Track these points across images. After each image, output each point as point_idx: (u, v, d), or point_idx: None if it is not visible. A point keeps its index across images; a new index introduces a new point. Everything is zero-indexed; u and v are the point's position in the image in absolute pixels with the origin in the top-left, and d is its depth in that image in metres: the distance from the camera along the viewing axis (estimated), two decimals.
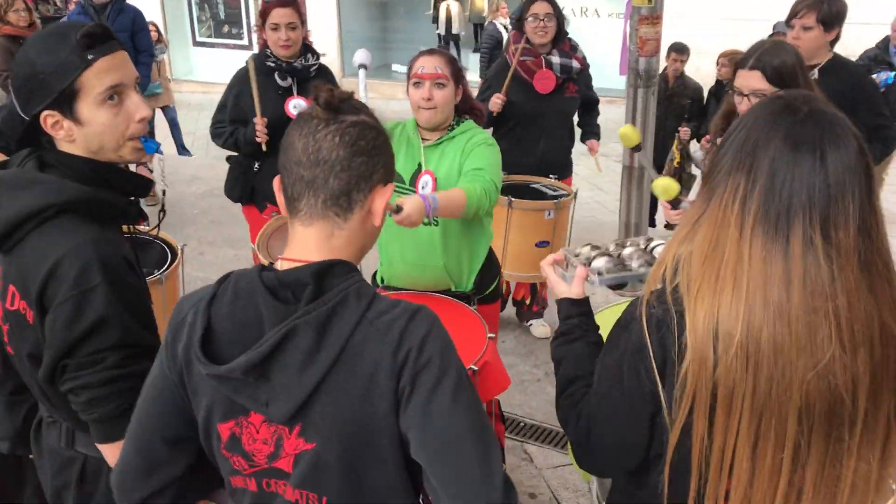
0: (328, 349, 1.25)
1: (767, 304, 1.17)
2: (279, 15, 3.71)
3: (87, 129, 1.62)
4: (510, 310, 4.75)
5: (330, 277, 1.29)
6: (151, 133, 3.97)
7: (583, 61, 4.24)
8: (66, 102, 1.59)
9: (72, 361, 1.55)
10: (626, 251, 1.90)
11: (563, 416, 1.51)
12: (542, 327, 4.67)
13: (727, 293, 1.19)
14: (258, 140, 3.71)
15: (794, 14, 3.57)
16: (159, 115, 8.28)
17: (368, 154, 1.32)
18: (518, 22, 4.24)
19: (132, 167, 3.86)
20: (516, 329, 4.74)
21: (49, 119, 1.60)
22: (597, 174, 8.52)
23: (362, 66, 3.45)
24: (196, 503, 1.53)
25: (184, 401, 1.37)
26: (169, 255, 3.45)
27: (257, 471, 1.35)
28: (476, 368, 2.47)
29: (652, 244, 1.93)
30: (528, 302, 4.60)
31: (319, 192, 1.31)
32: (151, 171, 3.97)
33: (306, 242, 1.34)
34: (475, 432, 1.26)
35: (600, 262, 1.84)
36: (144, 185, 1.78)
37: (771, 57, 2.56)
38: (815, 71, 3.47)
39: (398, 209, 2.46)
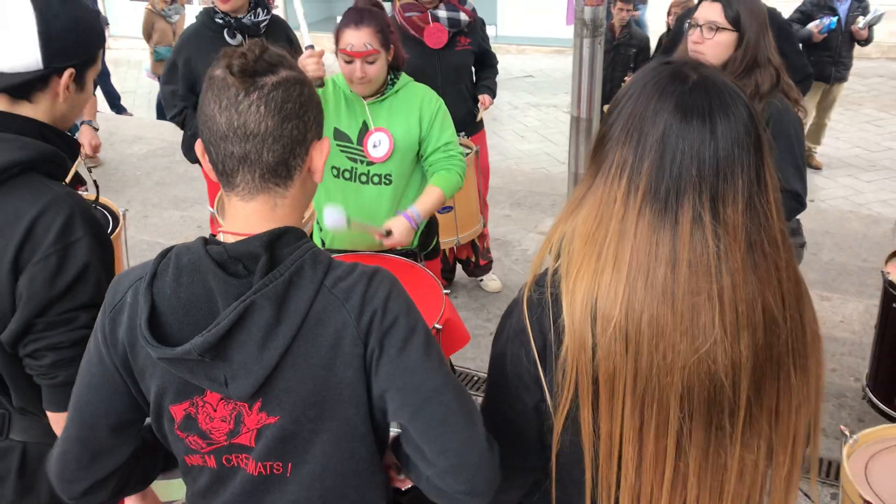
0: (288, 322, 1.21)
1: (651, 284, 1.11)
2: None
3: (80, 97, 1.60)
4: (459, 267, 4.76)
5: (282, 247, 1.24)
6: None
7: (471, 13, 4.10)
8: (86, 65, 1.58)
9: (42, 321, 1.48)
10: None
11: None
12: (493, 282, 4.69)
13: (608, 273, 1.13)
14: None
15: None
16: None
17: (298, 116, 1.24)
18: None
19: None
20: (467, 284, 4.75)
21: (69, 76, 1.56)
22: (546, 125, 8.56)
23: None
24: (136, 491, 1.48)
25: (127, 385, 1.30)
26: (110, 221, 3.35)
27: (216, 448, 1.31)
28: (440, 327, 2.47)
29: None
30: (473, 260, 4.59)
31: (255, 166, 1.23)
32: (97, 130, 3.82)
33: (249, 217, 1.27)
34: (451, 383, 1.25)
35: None
36: (77, 147, 1.73)
37: None
38: None
39: (388, 233, 2.59)
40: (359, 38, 2.64)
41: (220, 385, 1.23)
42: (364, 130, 2.76)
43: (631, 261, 1.12)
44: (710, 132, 1.11)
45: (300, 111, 1.25)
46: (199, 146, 1.30)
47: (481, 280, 4.71)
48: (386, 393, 1.25)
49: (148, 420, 1.35)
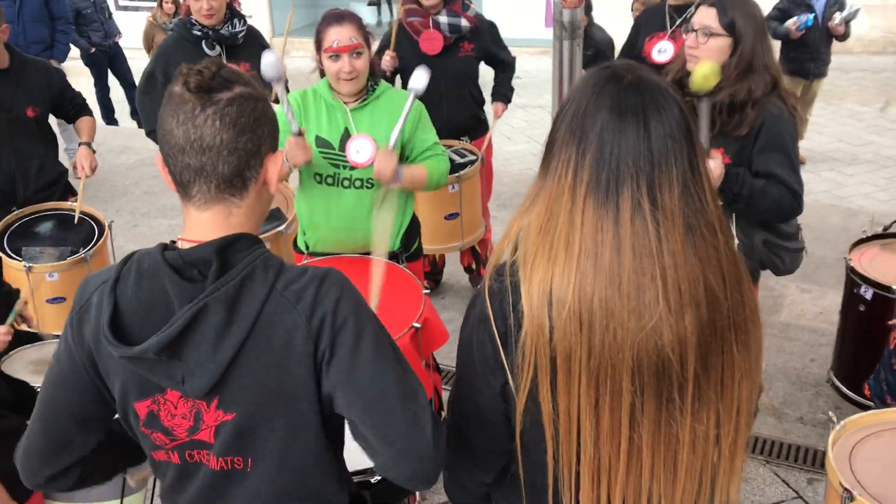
0: (240, 323, 1.27)
1: (599, 268, 1.20)
2: None
3: None
4: (449, 269, 4.81)
5: (234, 252, 1.30)
6: (82, 105, 3.87)
7: (473, 19, 4.11)
8: None
9: None
10: None
11: None
12: None
13: (560, 261, 1.22)
14: None
15: None
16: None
17: (252, 129, 1.30)
18: None
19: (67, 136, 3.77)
20: (455, 285, 4.81)
21: None
22: (532, 126, 8.62)
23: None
24: (105, 480, 1.56)
25: (94, 382, 1.37)
26: (97, 231, 3.41)
27: (178, 444, 1.38)
28: (418, 326, 2.52)
29: None
30: (474, 267, 4.63)
31: (210, 178, 1.29)
32: (94, 152, 3.86)
33: (205, 225, 1.33)
34: (399, 381, 1.32)
35: None
36: None
37: (733, 4, 2.58)
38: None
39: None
40: (343, 33, 2.71)
41: (178, 383, 1.30)
42: (346, 136, 2.81)
43: (580, 248, 1.21)
44: (643, 127, 1.21)
45: (254, 125, 1.31)
46: (158, 158, 1.36)
47: (479, 288, 4.70)
48: (335, 391, 1.32)
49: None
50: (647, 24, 4.10)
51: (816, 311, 4.30)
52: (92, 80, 8.55)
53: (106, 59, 8.42)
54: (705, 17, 2.61)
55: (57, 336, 3.36)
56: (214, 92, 1.28)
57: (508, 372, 1.31)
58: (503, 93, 4.40)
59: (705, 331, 1.24)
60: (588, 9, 6.47)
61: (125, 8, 14.08)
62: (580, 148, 1.23)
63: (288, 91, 2.75)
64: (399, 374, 1.33)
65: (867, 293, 3.05)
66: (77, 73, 6.79)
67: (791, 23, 6.38)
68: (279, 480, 1.39)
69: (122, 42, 8.61)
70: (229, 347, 1.27)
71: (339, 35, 2.70)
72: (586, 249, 1.21)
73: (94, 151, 3.84)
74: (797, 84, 6.52)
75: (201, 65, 1.29)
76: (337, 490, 1.46)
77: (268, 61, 2.58)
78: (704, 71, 2.41)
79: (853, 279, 3.13)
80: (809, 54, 6.49)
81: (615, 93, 1.24)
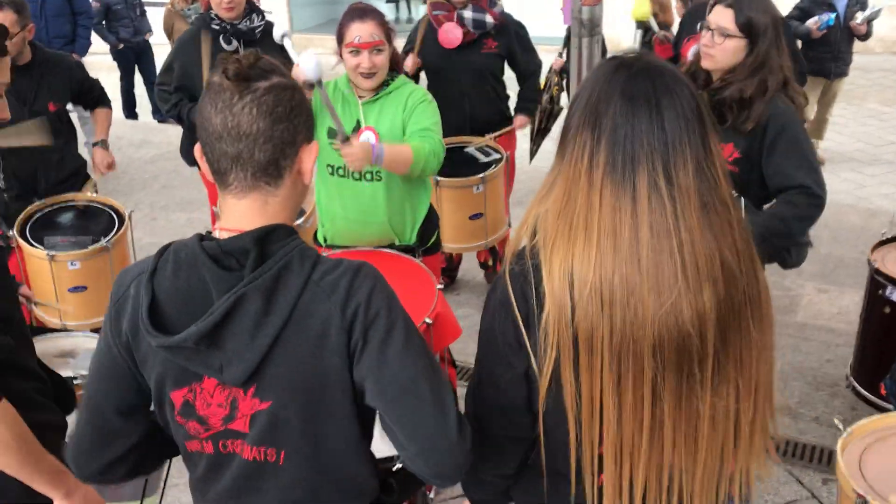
0: (277, 312, 1.29)
1: (618, 247, 1.23)
2: None
3: None
4: (465, 265, 4.82)
5: (271, 242, 1.32)
6: (100, 94, 3.94)
7: (499, 16, 4.11)
8: None
9: None
10: None
11: None
12: None
13: (580, 242, 1.25)
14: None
15: None
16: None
17: (288, 118, 1.33)
18: None
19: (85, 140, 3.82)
20: (471, 281, 4.81)
21: None
22: (558, 123, 8.60)
23: (284, 35, 3.13)
24: (153, 470, 1.58)
25: (133, 372, 1.40)
26: (117, 222, 3.45)
27: (213, 433, 1.39)
28: (430, 322, 2.54)
29: None
30: (490, 264, 4.63)
31: (247, 165, 1.32)
32: (108, 149, 3.91)
33: (242, 213, 1.35)
34: (427, 376, 1.33)
35: None
36: None
37: (750, 5, 2.59)
38: None
39: (346, 139, 2.55)
40: (365, 29, 2.73)
41: (216, 371, 1.32)
42: (356, 129, 2.83)
43: (599, 228, 1.24)
44: (655, 110, 1.25)
45: (290, 115, 1.33)
46: (197, 149, 1.38)
47: None
48: (365, 381, 1.33)
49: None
50: (690, 24, 4.07)
51: (834, 311, 4.27)
52: (116, 75, 8.61)
53: (133, 56, 8.48)
54: (721, 17, 2.62)
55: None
56: (252, 80, 1.30)
57: (531, 354, 1.33)
58: (525, 105, 4.37)
59: (723, 306, 1.27)
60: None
61: (153, 3, 14.18)
62: (595, 133, 1.26)
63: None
64: (427, 369, 1.34)
65: (893, 294, 3.01)
66: (98, 68, 6.84)
67: (812, 22, 6.33)
68: (316, 465, 1.41)
69: (153, 39, 8.64)
70: (267, 336, 1.29)
71: (360, 31, 2.72)
72: (605, 229, 1.24)
73: (107, 148, 3.88)
74: (818, 83, 6.47)
75: (241, 55, 1.32)
76: (369, 475, 1.48)
77: (308, 64, 2.56)
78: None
79: (877, 280, 3.08)
80: (830, 53, 6.44)
81: (626, 79, 1.27)
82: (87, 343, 2.75)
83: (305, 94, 1.42)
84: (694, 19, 4.06)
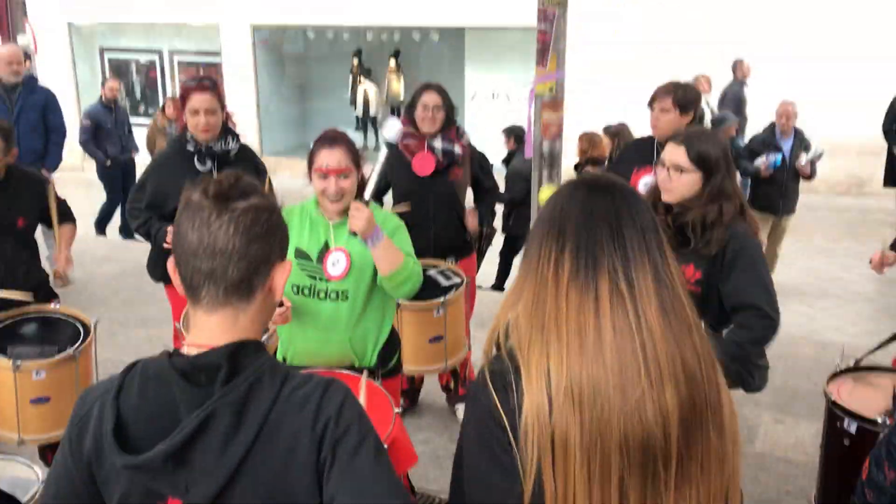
0: (247, 429, 1.29)
1: (584, 347, 1.31)
2: (199, 100, 3.74)
3: None
4: (426, 387, 4.80)
5: (242, 357, 1.33)
6: (66, 211, 3.99)
7: (465, 147, 4.33)
8: None
9: None
10: None
11: None
12: None
13: (553, 343, 1.32)
14: (166, 247, 3.70)
15: (653, 99, 4.00)
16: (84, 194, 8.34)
17: (264, 238, 1.36)
18: (409, 108, 4.34)
19: (47, 253, 3.84)
20: (432, 404, 4.78)
21: None
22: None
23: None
24: None
25: (91, 496, 1.36)
26: (82, 333, 3.41)
27: None
28: (385, 446, 2.51)
29: None
30: (452, 387, 4.62)
31: (220, 282, 1.34)
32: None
33: (212, 329, 1.36)
34: (396, 493, 1.33)
35: None
36: None
37: (699, 141, 2.79)
38: None
39: (363, 205, 2.74)
40: (333, 156, 2.83)
41: (182, 492, 1.29)
42: (324, 250, 2.90)
43: (567, 329, 1.32)
44: (615, 221, 1.37)
45: (266, 234, 1.37)
46: (171, 263, 1.41)
47: (456, 408, 4.65)
48: (336, 495, 1.32)
49: None
50: (634, 155, 4.28)
51: (791, 441, 4.32)
52: (84, 190, 8.69)
53: (120, 174, 8.60)
54: (674, 154, 2.80)
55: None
56: (232, 200, 1.34)
57: (517, 455, 1.34)
58: (481, 210, 4.59)
59: (686, 407, 1.32)
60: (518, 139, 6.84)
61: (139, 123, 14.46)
62: (559, 242, 1.37)
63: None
64: (396, 487, 1.34)
65: (851, 427, 3.01)
66: (66, 183, 6.88)
67: (761, 162, 6.69)
68: None
69: (138, 157, 8.79)
70: (236, 453, 1.28)
71: (329, 158, 2.83)
72: (572, 330, 1.31)
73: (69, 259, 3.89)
74: (767, 220, 6.76)
75: (222, 175, 1.37)
76: None
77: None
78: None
79: (835, 413, 3.12)
80: (778, 192, 6.78)
81: (585, 194, 1.40)
82: (12, 470, 2.56)
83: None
84: (638, 151, 4.28)
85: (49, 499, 1.39)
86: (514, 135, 7.40)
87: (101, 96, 8.81)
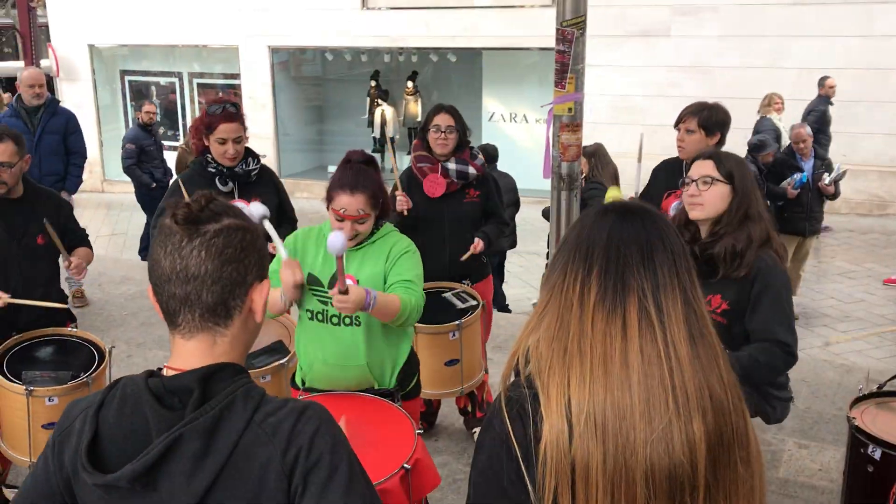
0: (215, 455, 1.26)
1: (609, 373, 1.26)
2: (227, 130, 3.76)
3: None
4: (444, 410, 4.76)
5: (216, 382, 1.30)
6: (83, 237, 3.95)
7: (480, 168, 4.29)
8: None
9: None
10: None
11: None
12: None
13: (575, 367, 1.28)
14: None
15: (679, 119, 3.97)
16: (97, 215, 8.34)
17: (237, 259, 1.33)
18: (422, 131, 4.31)
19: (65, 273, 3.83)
20: (449, 427, 4.74)
21: None
22: (528, 271, 8.76)
23: (264, 217, 2.87)
24: None
25: None
26: (97, 357, 3.40)
27: None
28: (409, 467, 2.48)
29: None
30: (470, 410, 4.57)
31: (195, 307, 1.32)
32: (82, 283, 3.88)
33: (190, 354, 1.34)
34: None
35: None
36: None
37: (726, 157, 2.82)
38: None
39: (345, 291, 2.58)
40: (352, 203, 2.79)
41: None
42: (335, 277, 2.86)
43: (592, 354, 1.27)
44: (646, 245, 1.32)
45: (240, 255, 1.34)
46: (149, 290, 1.39)
47: (474, 431, 4.59)
48: None
49: None
50: (663, 176, 4.23)
51: (816, 467, 4.23)
52: (102, 213, 8.76)
53: (161, 196, 8.71)
54: (703, 167, 2.79)
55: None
56: (202, 223, 1.32)
57: (530, 485, 1.31)
58: (486, 233, 4.39)
59: (713, 438, 1.28)
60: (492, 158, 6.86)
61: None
62: (586, 265, 1.33)
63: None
64: None
65: (875, 453, 2.97)
66: (85, 205, 6.93)
67: (786, 183, 6.66)
68: None
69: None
70: (203, 479, 1.26)
71: (347, 204, 2.79)
72: (597, 355, 1.27)
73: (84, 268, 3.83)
74: (792, 241, 6.73)
75: (192, 198, 1.35)
76: None
77: (256, 210, 2.73)
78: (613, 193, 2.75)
79: (858, 438, 3.07)
80: (804, 213, 6.75)
81: (615, 220, 1.37)
82: None
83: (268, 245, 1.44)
84: (655, 179, 4.25)
85: (26, 501, 1.37)
86: (485, 152, 7.43)
87: (137, 120, 8.98)
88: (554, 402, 1.28)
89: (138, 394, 1.30)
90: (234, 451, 1.26)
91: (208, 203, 1.34)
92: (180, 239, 1.30)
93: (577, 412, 1.26)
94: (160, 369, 1.37)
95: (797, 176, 6.68)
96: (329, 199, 2.86)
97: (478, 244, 4.33)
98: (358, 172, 2.86)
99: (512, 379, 1.39)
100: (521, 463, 1.31)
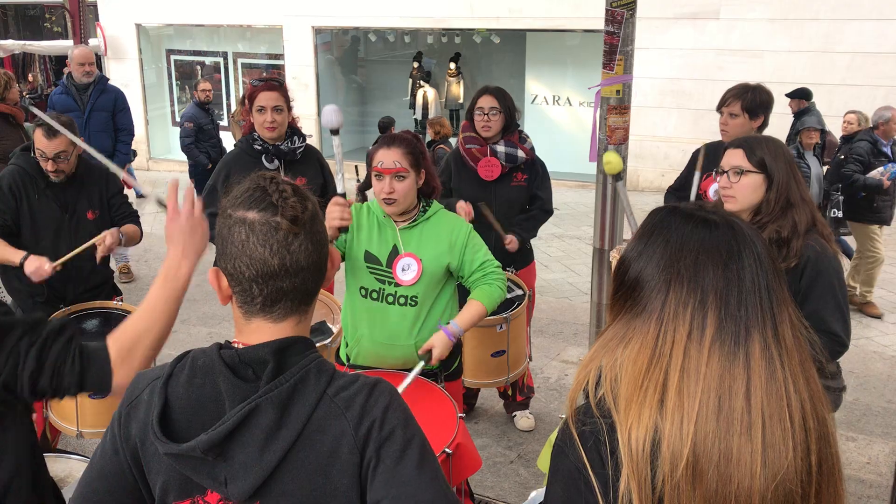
0: (290, 427, 1.27)
1: (727, 418, 1.16)
2: (266, 98, 3.78)
3: None
4: (484, 393, 4.75)
5: (290, 355, 1.32)
6: (131, 214, 3.95)
7: (530, 152, 4.22)
8: None
9: None
10: None
11: None
12: (525, 419, 4.56)
13: (671, 411, 1.16)
14: None
15: (722, 102, 3.88)
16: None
17: (324, 240, 1.39)
18: (469, 114, 4.26)
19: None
20: (489, 410, 4.73)
21: None
22: (569, 256, 8.69)
23: (335, 131, 2.84)
24: None
25: (134, 478, 1.36)
26: None
27: None
28: (450, 452, 2.47)
29: None
30: (510, 394, 4.56)
31: (299, 294, 1.35)
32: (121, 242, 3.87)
33: (274, 332, 1.35)
34: (444, 497, 1.28)
35: None
36: None
37: (757, 144, 2.69)
38: None
39: (429, 356, 2.71)
40: (389, 156, 2.80)
41: (220, 485, 1.28)
42: (394, 254, 2.87)
43: (702, 398, 1.16)
44: (758, 265, 1.20)
45: (323, 234, 1.39)
46: (213, 274, 1.38)
47: (514, 415, 4.61)
48: (380, 502, 1.28)
49: None
50: (706, 162, 4.15)
51: (864, 460, 4.14)
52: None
53: None
54: (734, 157, 2.70)
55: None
56: (300, 215, 1.33)
57: None
58: (523, 228, 4.30)
59: (823, 467, 1.19)
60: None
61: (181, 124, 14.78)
62: (696, 295, 1.20)
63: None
64: (441, 490, 1.29)
65: None
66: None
67: (878, 173, 6.52)
68: None
69: (183, 157, 9.05)
70: (277, 450, 1.26)
71: (384, 157, 2.80)
72: (710, 399, 1.16)
73: (121, 241, 3.83)
74: (873, 231, 6.70)
75: (286, 194, 1.33)
76: None
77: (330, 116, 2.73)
78: (610, 157, 3.17)
79: None
80: (890, 201, 6.65)
81: (711, 236, 1.23)
82: (82, 470, 2.61)
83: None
84: (712, 157, 4.14)
85: (92, 473, 1.39)
86: None
87: (194, 98, 9.10)
88: (638, 442, 1.16)
89: (210, 365, 1.32)
90: (307, 423, 1.27)
91: (296, 192, 1.36)
92: (286, 236, 1.32)
93: (674, 460, 1.15)
94: (229, 342, 1.38)
95: (890, 167, 6.52)
96: (369, 163, 2.89)
97: (512, 242, 4.24)
98: (395, 134, 2.93)
99: (583, 402, 1.28)
100: (599, 494, 1.21)
